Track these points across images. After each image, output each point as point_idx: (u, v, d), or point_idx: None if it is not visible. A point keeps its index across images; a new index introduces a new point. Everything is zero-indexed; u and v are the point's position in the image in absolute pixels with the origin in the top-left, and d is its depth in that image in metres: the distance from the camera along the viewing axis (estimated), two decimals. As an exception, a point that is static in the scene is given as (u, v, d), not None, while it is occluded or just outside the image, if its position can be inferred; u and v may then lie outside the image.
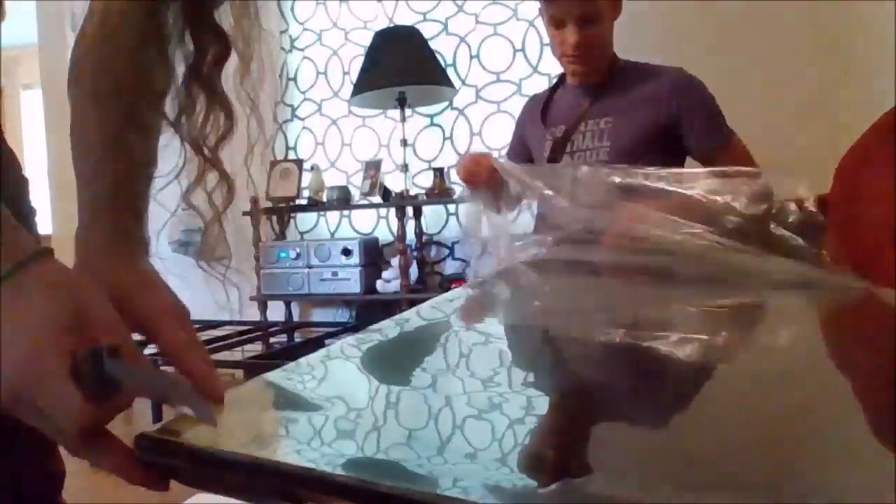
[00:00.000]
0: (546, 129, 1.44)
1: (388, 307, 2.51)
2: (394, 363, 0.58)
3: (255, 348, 2.72)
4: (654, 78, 1.35)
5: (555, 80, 1.54)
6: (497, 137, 2.74)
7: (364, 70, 2.63)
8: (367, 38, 2.74)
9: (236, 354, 2.60)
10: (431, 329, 0.71)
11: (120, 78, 0.52)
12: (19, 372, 0.34)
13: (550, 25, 1.36)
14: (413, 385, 0.51)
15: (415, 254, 2.80)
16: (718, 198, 0.93)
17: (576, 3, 1.29)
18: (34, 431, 0.36)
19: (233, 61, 0.60)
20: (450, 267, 2.88)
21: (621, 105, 1.35)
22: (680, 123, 1.32)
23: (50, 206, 3.23)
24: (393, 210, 2.72)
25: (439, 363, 0.58)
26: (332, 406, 0.44)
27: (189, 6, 0.57)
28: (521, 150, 1.54)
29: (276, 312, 2.92)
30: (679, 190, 0.96)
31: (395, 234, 2.67)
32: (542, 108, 1.48)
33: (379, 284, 2.67)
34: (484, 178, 1.26)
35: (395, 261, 2.69)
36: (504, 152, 1.61)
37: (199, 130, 0.58)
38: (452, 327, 0.74)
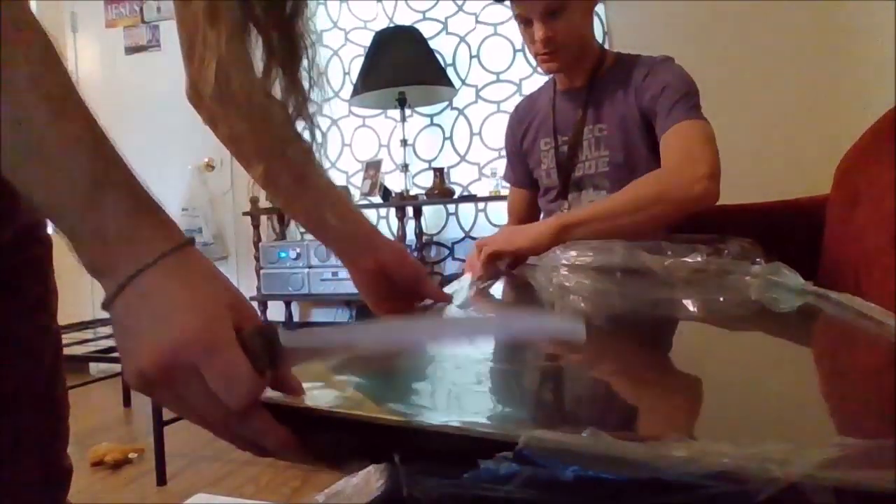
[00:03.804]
0: (541, 139, 1.40)
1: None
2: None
3: (256, 348, 2.72)
4: (636, 70, 1.28)
5: (540, 87, 1.49)
6: (497, 137, 2.74)
7: (364, 70, 2.63)
8: (367, 38, 2.74)
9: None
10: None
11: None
12: (195, 336, 0.34)
13: (520, 25, 1.30)
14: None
15: (415, 254, 2.80)
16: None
17: None
18: (41, 429, 0.36)
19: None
20: (450, 267, 2.88)
21: (610, 108, 1.29)
22: (651, 115, 1.23)
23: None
24: (393, 210, 2.72)
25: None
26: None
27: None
28: (519, 167, 1.49)
29: (276, 312, 2.92)
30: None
31: (395, 234, 2.67)
32: (533, 118, 1.44)
33: (379, 284, 2.67)
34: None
35: (395, 261, 2.68)
36: (503, 153, 1.59)
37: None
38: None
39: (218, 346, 0.35)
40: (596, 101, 1.32)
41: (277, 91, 0.67)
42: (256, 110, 0.65)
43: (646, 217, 1.09)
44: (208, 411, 0.35)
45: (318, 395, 0.40)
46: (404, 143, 2.69)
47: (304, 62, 0.66)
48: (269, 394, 0.38)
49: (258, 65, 0.66)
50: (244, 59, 0.63)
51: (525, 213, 1.49)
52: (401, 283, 0.69)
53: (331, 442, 0.35)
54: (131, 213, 0.36)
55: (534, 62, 2.68)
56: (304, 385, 0.40)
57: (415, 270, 0.70)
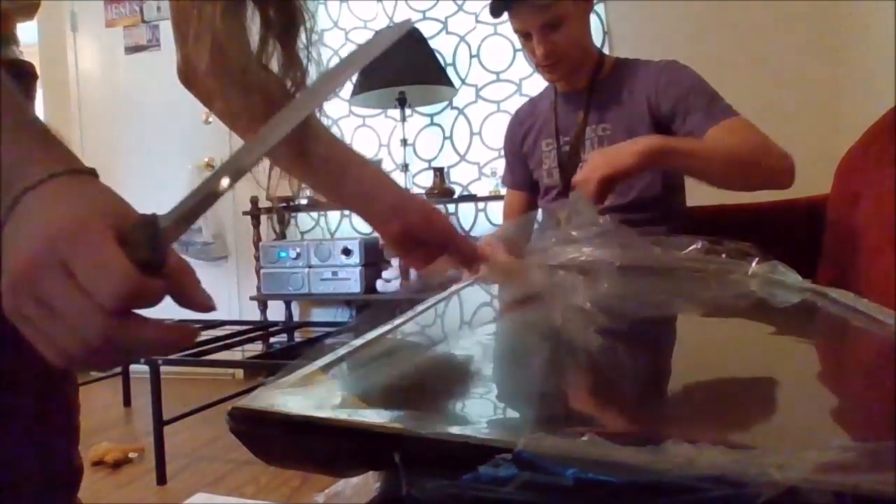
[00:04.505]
0: (543, 140, 1.41)
1: (389, 307, 2.50)
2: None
3: (256, 348, 2.72)
4: (642, 74, 1.30)
5: (541, 91, 1.50)
6: (497, 137, 2.74)
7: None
8: (366, 38, 2.74)
9: (236, 354, 2.60)
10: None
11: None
12: (63, 231, 0.33)
13: (520, 38, 1.33)
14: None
15: (415, 253, 2.80)
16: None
17: (534, 14, 1.25)
18: (52, 427, 0.35)
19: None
20: (450, 267, 2.87)
21: (615, 109, 1.31)
22: (674, 115, 1.25)
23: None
24: (393, 210, 2.72)
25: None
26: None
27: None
28: (519, 169, 1.49)
29: (276, 312, 2.92)
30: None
31: (395, 233, 2.66)
32: (534, 120, 1.45)
33: (379, 284, 2.67)
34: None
35: (395, 261, 2.69)
36: (502, 153, 1.59)
37: None
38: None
39: (86, 238, 0.32)
40: (598, 102, 1.33)
41: (276, 72, 0.67)
42: (253, 84, 0.64)
43: (739, 170, 1.11)
44: (81, 316, 0.32)
45: (313, 399, 0.39)
46: (404, 142, 2.69)
47: (302, 37, 0.65)
48: (266, 403, 0.37)
49: (255, 40, 0.65)
50: (240, 33, 0.63)
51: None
52: (430, 241, 0.69)
53: (327, 449, 0.35)
54: (22, 140, 0.36)
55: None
56: (296, 387, 0.40)
57: (443, 229, 0.69)
